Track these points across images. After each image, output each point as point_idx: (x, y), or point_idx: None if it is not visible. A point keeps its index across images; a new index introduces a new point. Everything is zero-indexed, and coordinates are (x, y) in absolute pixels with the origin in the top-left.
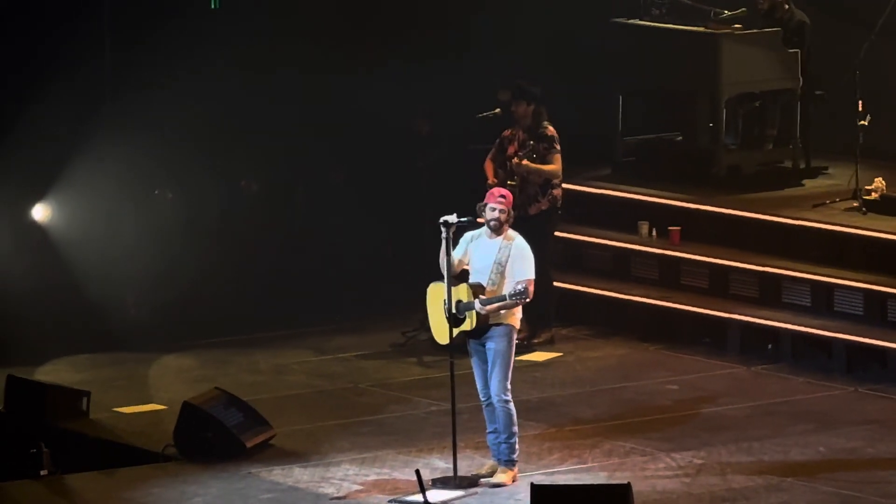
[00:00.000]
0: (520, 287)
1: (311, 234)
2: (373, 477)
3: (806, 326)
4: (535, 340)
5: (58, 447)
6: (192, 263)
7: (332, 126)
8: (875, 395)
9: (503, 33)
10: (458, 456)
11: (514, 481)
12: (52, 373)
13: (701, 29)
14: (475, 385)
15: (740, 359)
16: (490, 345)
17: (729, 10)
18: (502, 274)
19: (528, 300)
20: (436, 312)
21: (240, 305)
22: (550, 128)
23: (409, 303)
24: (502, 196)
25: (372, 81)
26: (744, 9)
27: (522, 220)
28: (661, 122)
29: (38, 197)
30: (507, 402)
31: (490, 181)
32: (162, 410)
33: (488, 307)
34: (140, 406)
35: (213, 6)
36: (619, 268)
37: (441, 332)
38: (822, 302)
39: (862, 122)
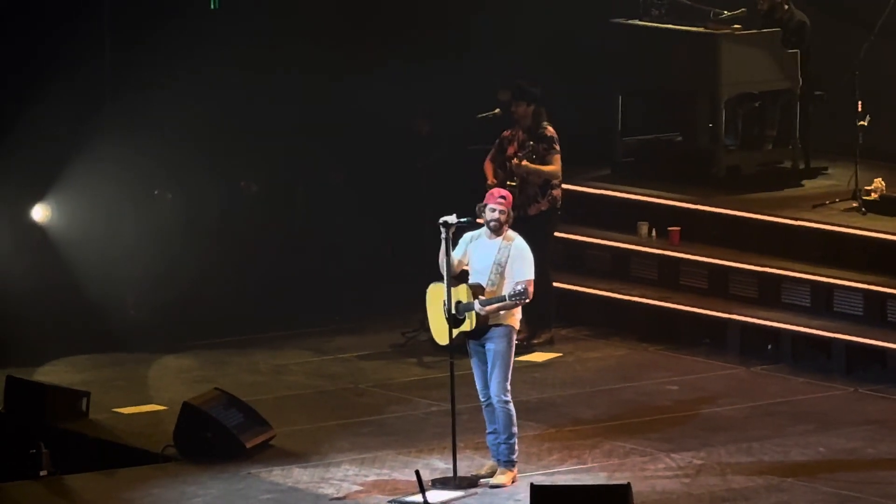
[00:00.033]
0: (519, 288)
1: (311, 234)
2: (372, 477)
3: (806, 327)
4: (535, 341)
5: (57, 448)
6: (192, 264)
7: (332, 126)
8: (875, 396)
9: (503, 33)
10: (458, 456)
11: (513, 482)
12: (51, 373)
13: (700, 29)
14: (475, 386)
15: (740, 359)
16: (490, 345)
17: (728, 11)
18: (502, 274)
19: (527, 301)
20: (435, 313)
21: (240, 306)
22: (550, 128)
23: (408, 303)
24: (502, 197)
25: (372, 81)
26: (743, 9)
27: (522, 221)
28: (661, 122)
29: (37, 197)
30: (506, 402)
31: (490, 181)
32: (162, 411)
33: (488, 308)
34: (140, 406)
35: (212, 6)
36: (619, 268)
37: (441, 332)
38: (822, 302)
39: (861, 123)
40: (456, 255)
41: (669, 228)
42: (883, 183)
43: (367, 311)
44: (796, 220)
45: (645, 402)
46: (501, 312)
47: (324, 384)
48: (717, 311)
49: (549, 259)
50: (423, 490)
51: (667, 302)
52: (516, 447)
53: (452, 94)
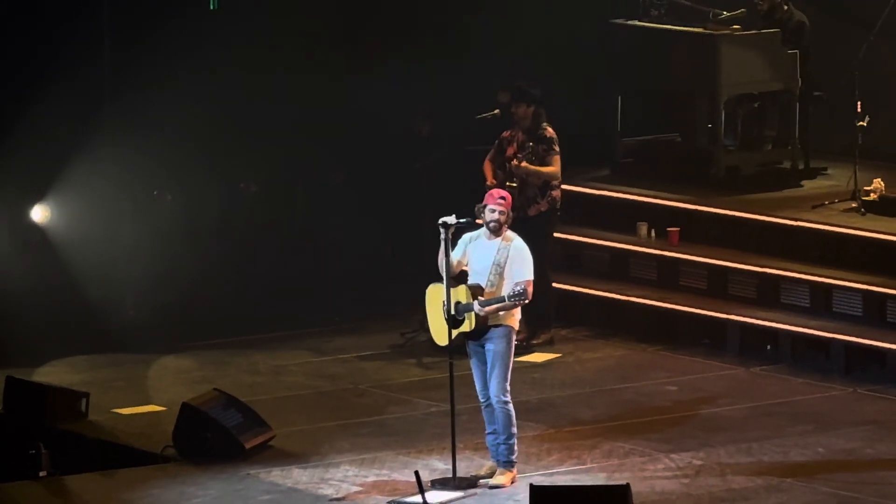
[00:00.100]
0: (518, 288)
1: (311, 234)
2: (372, 478)
3: (805, 327)
4: (535, 341)
5: (57, 448)
6: (192, 264)
7: (332, 126)
8: (874, 396)
9: (503, 33)
10: (458, 457)
11: (513, 482)
12: (51, 374)
13: (700, 30)
14: (474, 386)
15: (739, 360)
16: (489, 346)
17: (728, 11)
18: (501, 275)
19: (526, 301)
20: (435, 314)
21: (239, 306)
22: (550, 129)
23: (408, 304)
24: (501, 198)
25: (372, 82)
26: (743, 9)
27: (522, 222)
28: (660, 122)
29: (37, 197)
30: (506, 403)
31: (489, 182)
32: (161, 411)
33: (487, 308)
34: (139, 407)
35: (211, 7)
36: (618, 269)
37: (440, 333)
38: (821, 303)
39: (861, 123)
40: (455, 255)
41: (669, 229)
42: (882, 183)
43: (366, 311)
44: (795, 220)
45: (644, 402)
46: (501, 313)
47: (323, 385)
48: (717, 311)
49: (548, 260)
50: (422, 491)
51: (666, 302)
52: (516, 448)
53: (452, 94)
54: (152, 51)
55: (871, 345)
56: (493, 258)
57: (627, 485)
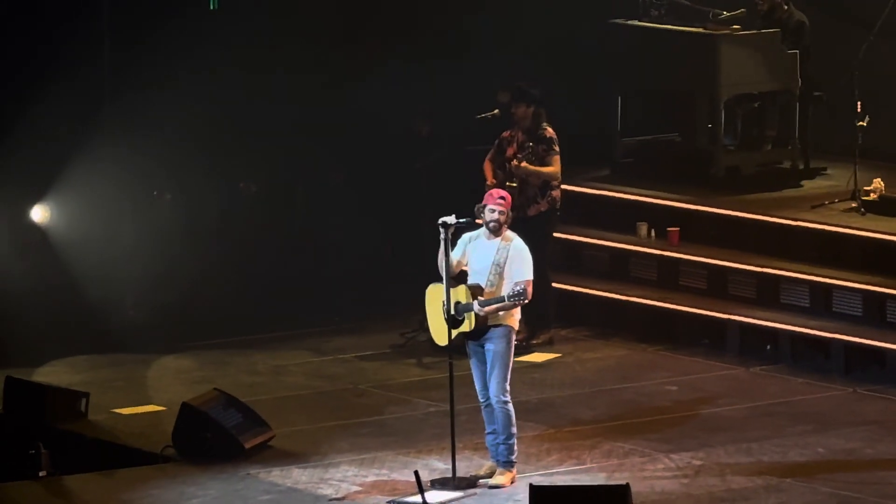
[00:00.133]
0: (518, 288)
1: (311, 234)
2: (372, 478)
3: (804, 327)
4: (534, 341)
5: (56, 448)
6: (192, 264)
7: (332, 126)
8: (873, 396)
9: (503, 33)
10: (457, 457)
11: (512, 482)
12: (50, 374)
13: (700, 30)
14: (474, 386)
15: (739, 360)
16: (489, 346)
17: (728, 11)
18: (501, 275)
19: (526, 301)
20: (435, 314)
21: (239, 306)
22: (549, 129)
23: (408, 304)
24: (501, 198)
25: (372, 82)
26: (743, 9)
27: (521, 222)
28: (660, 122)
29: (37, 197)
30: (505, 403)
31: (489, 182)
32: (161, 411)
33: (487, 308)
34: (139, 407)
35: (211, 7)
36: (618, 269)
37: (440, 333)
38: (821, 303)
39: (861, 123)
40: (455, 255)
41: (668, 229)
42: (882, 183)
43: (366, 311)
44: (795, 220)
45: (644, 402)
46: (500, 313)
47: (323, 385)
48: (716, 311)
49: (548, 260)
50: (422, 491)
51: (666, 302)
52: (515, 448)
53: (452, 94)
54: (152, 51)
55: (870, 345)
56: (492, 258)
57: (627, 485)
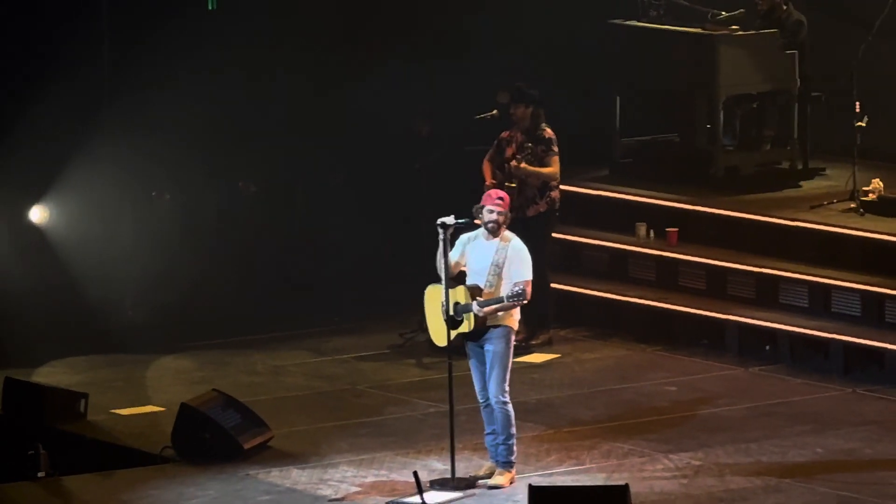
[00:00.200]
0: (517, 289)
1: (311, 234)
2: (371, 478)
3: (803, 327)
4: (534, 342)
5: (55, 449)
6: (191, 264)
7: (332, 127)
8: (872, 397)
9: (503, 33)
10: (456, 457)
11: (511, 483)
12: (49, 374)
13: (698, 30)
14: (473, 387)
15: (738, 360)
16: (488, 346)
17: (726, 11)
18: (499, 276)
19: (525, 302)
20: (434, 314)
21: (239, 306)
22: (548, 130)
23: (407, 304)
24: (500, 198)
25: (372, 82)
26: (742, 10)
27: (520, 222)
28: (660, 122)
29: (36, 197)
30: (505, 403)
31: (488, 182)
32: (160, 412)
33: (486, 309)
34: (138, 408)
35: (210, 7)
36: (617, 269)
37: (439, 334)
38: (820, 303)
39: (860, 124)
40: (453, 256)
41: (667, 229)
42: (881, 183)
43: (366, 311)
44: (794, 220)
45: (643, 402)
46: (499, 313)
47: (322, 385)
48: (715, 311)
49: (547, 260)
50: (421, 491)
51: (665, 303)
52: (515, 448)
53: (452, 94)
54: (152, 51)
55: (869, 345)
56: (491, 259)
57: (626, 485)
